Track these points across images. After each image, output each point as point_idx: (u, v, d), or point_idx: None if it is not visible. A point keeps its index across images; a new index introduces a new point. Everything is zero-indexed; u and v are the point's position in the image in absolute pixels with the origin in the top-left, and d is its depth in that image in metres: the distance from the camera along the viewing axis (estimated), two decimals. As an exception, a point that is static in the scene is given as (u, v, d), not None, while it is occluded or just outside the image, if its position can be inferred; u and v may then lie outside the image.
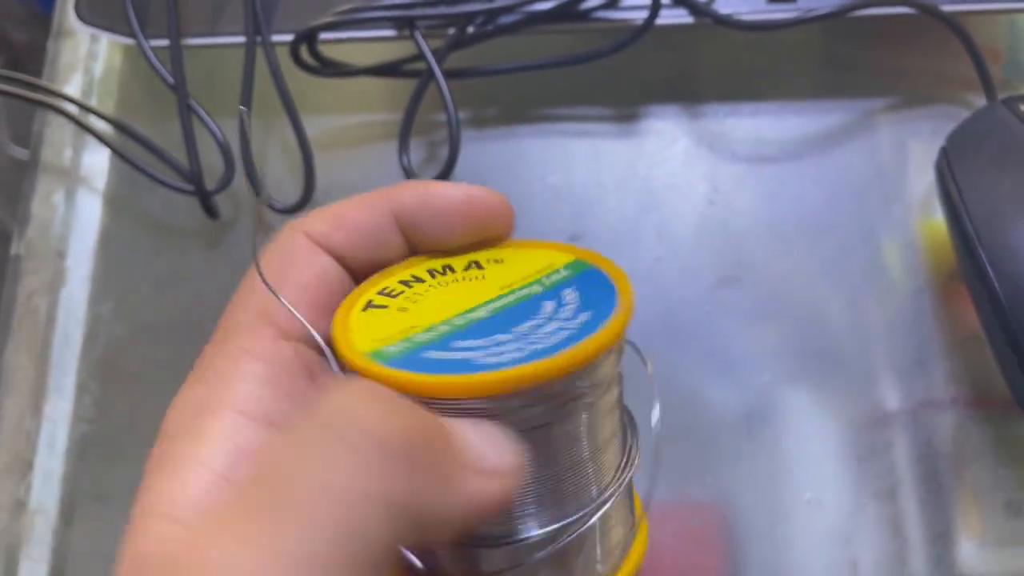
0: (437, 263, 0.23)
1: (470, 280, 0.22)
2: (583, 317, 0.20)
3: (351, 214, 0.22)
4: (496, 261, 0.23)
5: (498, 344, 0.19)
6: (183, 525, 0.17)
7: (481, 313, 0.21)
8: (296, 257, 0.22)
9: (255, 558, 0.14)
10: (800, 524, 0.32)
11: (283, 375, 0.20)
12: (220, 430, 0.19)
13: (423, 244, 0.23)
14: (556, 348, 0.18)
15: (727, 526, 0.32)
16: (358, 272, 0.23)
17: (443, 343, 0.19)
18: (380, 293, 0.22)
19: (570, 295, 0.21)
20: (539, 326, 0.20)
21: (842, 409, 0.33)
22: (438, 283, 0.22)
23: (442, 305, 0.21)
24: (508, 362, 0.18)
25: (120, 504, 0.34)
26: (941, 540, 0.32)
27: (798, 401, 0.33)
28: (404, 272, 0.23)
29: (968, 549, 0.32)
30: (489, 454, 0.18)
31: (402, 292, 0.22)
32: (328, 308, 0.21)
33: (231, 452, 0.18)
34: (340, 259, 0.22)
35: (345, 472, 0.15)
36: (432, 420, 0.17)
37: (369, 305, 0.21)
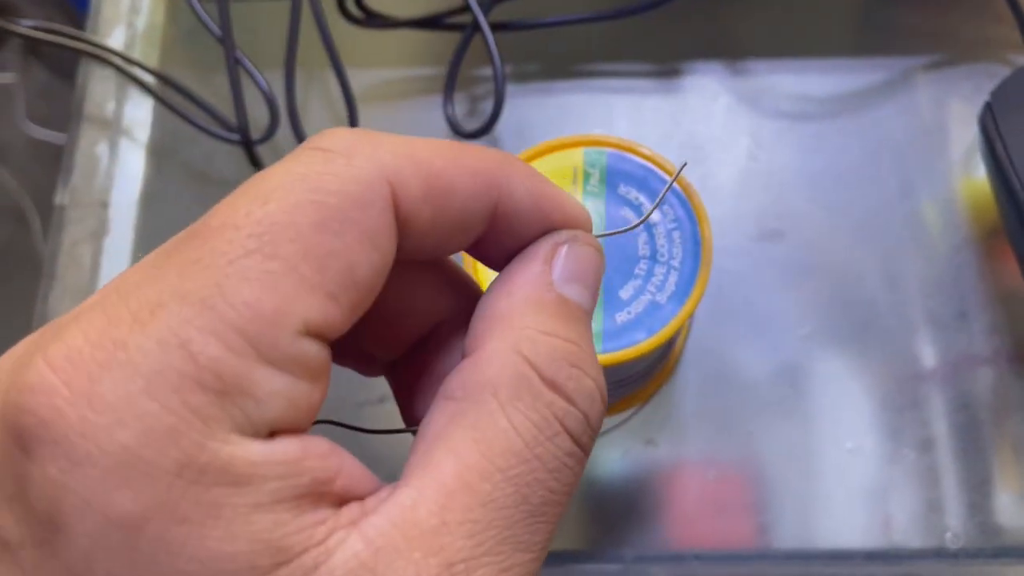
0: None
1: None
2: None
3: (452, 178, 0.15)
4: None
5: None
6: None
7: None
8: (370, 225, 0.14)
9: None
10: (840, 472, 0.32)
11: None
12: None
13: (493, 244, 0.16)
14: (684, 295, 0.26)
15: (766, 476, 0.32)
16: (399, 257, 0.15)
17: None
18: None
19: (632, 194, 0.27)
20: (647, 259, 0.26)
21: (883, 360, 0.34)
22: None
23: None
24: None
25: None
26: (978, 491, 0.32)
27: (839, 353, 0.34)
28: None
29: (1005, 501, 0.32)
30: None
31: None
32: (351, 306, 0.14)
33: None
34: (404, 240, 0.15)
35: None
36: None
37: None
